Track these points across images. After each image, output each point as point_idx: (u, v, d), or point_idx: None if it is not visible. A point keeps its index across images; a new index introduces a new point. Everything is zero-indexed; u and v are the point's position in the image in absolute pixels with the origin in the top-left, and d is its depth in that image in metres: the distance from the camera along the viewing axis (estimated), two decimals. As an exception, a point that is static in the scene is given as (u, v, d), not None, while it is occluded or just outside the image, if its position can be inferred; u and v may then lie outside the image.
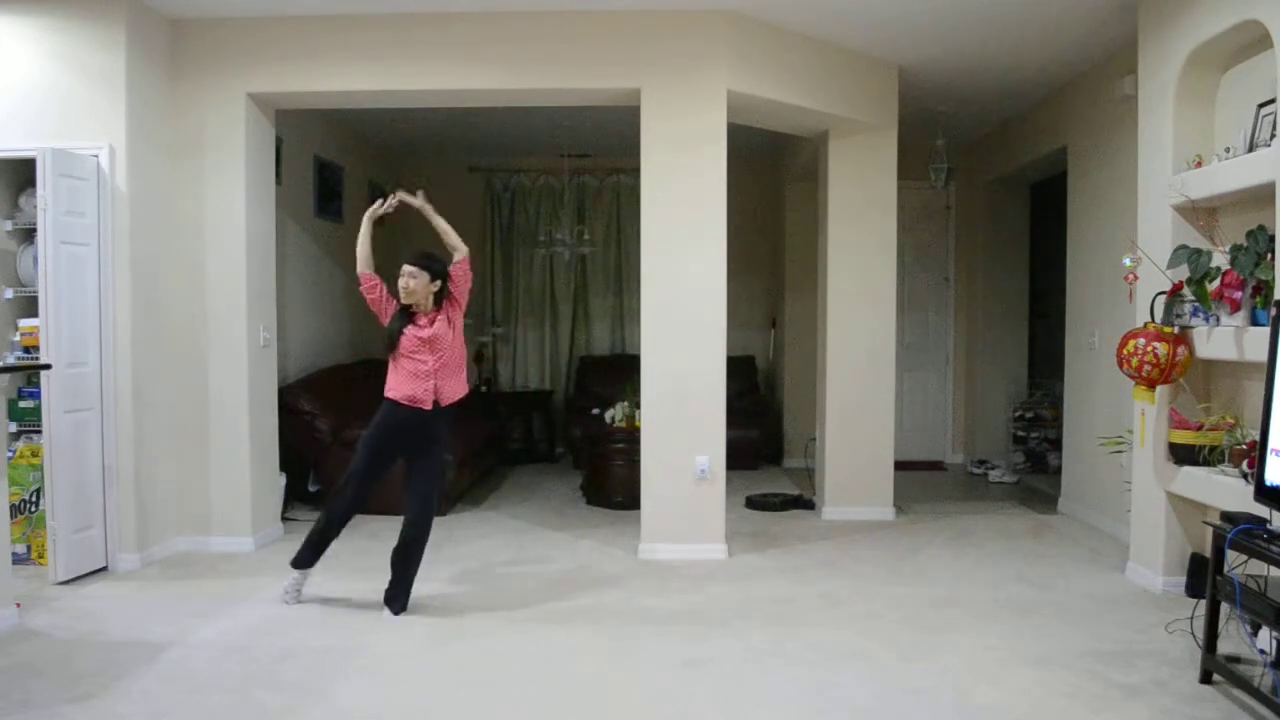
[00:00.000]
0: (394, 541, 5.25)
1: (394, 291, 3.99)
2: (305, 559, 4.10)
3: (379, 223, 4.22)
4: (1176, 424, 4.01)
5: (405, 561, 3.98)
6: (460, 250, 4.09)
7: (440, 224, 4.14)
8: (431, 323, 3.93)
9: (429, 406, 3.91)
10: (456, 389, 4.01)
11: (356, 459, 4.01)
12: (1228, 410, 3.92)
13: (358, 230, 7.83)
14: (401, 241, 8.55)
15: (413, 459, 4.00)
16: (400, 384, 3.91)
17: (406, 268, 3.95)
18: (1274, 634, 2.95)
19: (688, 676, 3.27)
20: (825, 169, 5.84)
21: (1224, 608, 3.16)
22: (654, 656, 3.45)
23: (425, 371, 3.90)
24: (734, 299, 5.02)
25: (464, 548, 5.07)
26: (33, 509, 4.54)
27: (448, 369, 3.96)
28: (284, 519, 5.45)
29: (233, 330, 4.90)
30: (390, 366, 3.97)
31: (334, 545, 5.13)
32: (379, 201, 4.17)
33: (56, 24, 4.47)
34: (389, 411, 3.94)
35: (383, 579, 4.43)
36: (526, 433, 8.21)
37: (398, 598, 3.95)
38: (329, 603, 4.09)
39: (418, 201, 4.16)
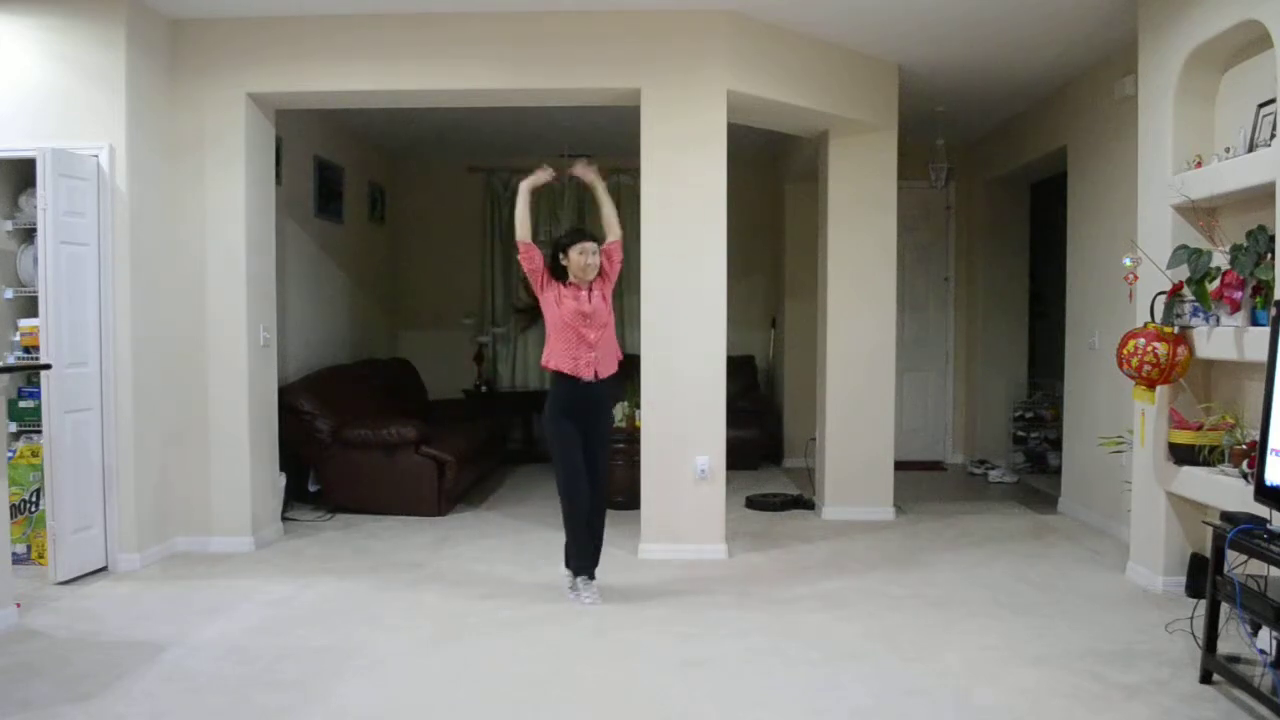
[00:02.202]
0: (393, 542, 5.27)
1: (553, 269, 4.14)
2: (585, 566, 4.16)
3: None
4: (1176, 424, 4.01)
5: (590, 534, 4.14)
6: (615, 232, 4.23)
7: (608, 204, 4.27)
8: (590, 297, 4.08)
9: (591, 377, 4.04)
10: (613, 363, 4.15)
11: (555, 451, 4.10)
12: (1228, 410, 3.91)
13: (357, 231, 7.84)
14: (405, 233, 8.56)
15: (585, 433, 4.10)
16: (563, 356, 4.05)
17: (589, 245, 4.09)
18: (1274, 634, 2.95)
19: (688, 676, 3.27)
20: (825, 169, 5.84)
21: (1224, 608, 3.16)
22: (654, 656, 3.45)
23: (589, 343, 4.04)
24: (734, 299, 5.02)
25: (464, 548, 5.08)
26: (33, 509, 4.53)
27: (607, 342, 4.11)
28: (284, 519, 5.46)
29: (233, 330, 4.90)
30: (549, 336, 4.11)
31: (337, 547, 5.16)
32: (540, 172, 4.21)
33: (56, 24, 4.47)
34: (556, 383, 4.09)
35: (382, 579, 4.44)
36: (526, 433, 8.21)
37: (583, 565, 4.14)
38: (329, 603, 4.09)
39: (589, 175, 4.25)
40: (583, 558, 4.14)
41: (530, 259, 4.10)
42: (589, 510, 4.12)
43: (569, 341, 4.05)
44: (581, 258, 4.06)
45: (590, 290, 4.11)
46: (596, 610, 3.99)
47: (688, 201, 4.86)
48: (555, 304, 4.07)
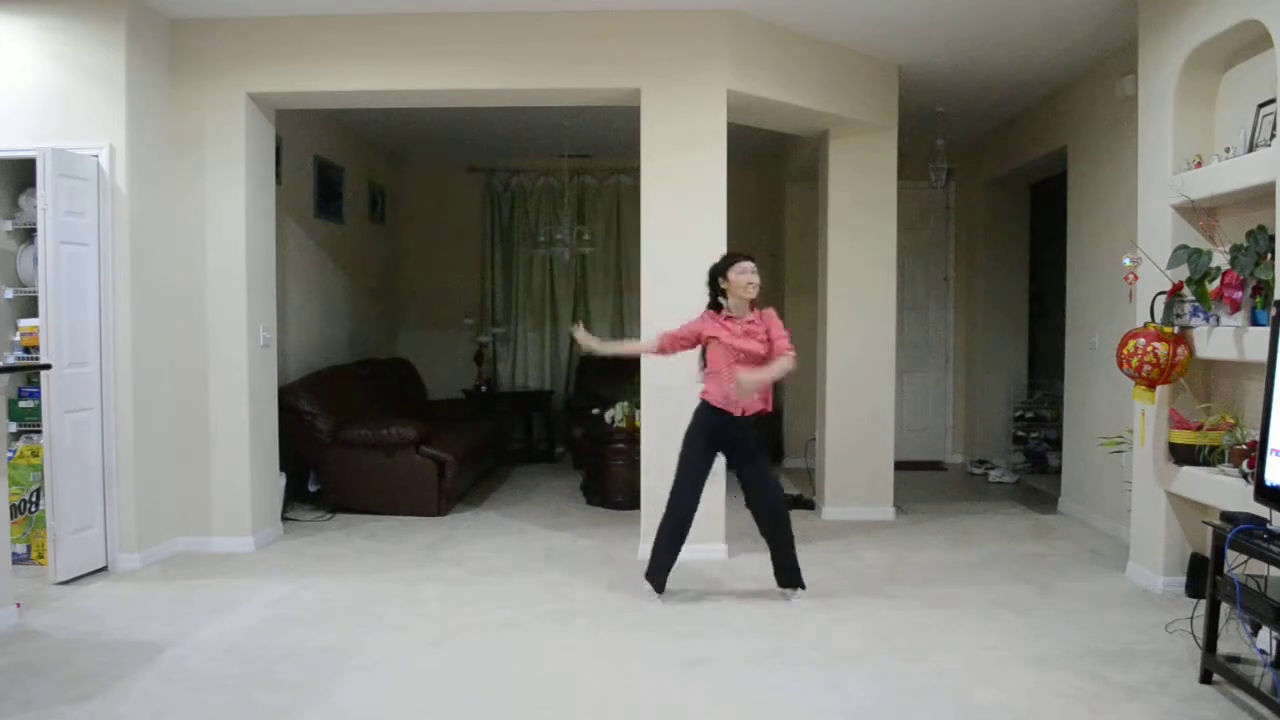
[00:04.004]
0: (393, 542, 5.27)
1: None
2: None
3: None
4: (1176, 424, 4.01)
5: (782, 547, 4.14)
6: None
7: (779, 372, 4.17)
8: (748, 336, 4.04)
9: (738, 413, 4.02)
10: (761, 402, 4.09)
11: (680, 458, 4.13)
12: (1228, 410, 3.92)
13: (357, 231, 7.83)
14: (405, 233, 8.56)
15: (738, 465, 4.14)
16: (715, 389, 4.04)
17: (747, 264, 4.06)
18: (1274, 634, 2.96)
19: (688, 676, 3.27)
20: (825, 169, 5.84)
21: (1224, 608, 3.16)
22: (654, 656, 3.45)
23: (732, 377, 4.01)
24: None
25: (464, 548, 5.07)
26: (33, 509, 4.53)
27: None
28: (284, 519, 5.45)
29: (233, 330, 4.90)
30: (708, 371, 4.11)
31: (337, 547, 5.16)
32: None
33: (56, 24, 4.47)
34: (703, 408, 4.09)
35: (382, 579, 4.45)
36: (526, 433, 8.21)
37: (793, 579, 4.15)
38: (329, 603, 4.09)
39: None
40: (662, 570, 4.14)
41: (682, 344, 4.10)
42: (687, 524, 4.14)
43: (723, 377, 4.03)
44: (742, 277, 4.02)
45: (750, 328, 4.05)
46: (597, 610, 3.99)
47: (688, 201, 4.85)
48: (713, 343, 4.06)
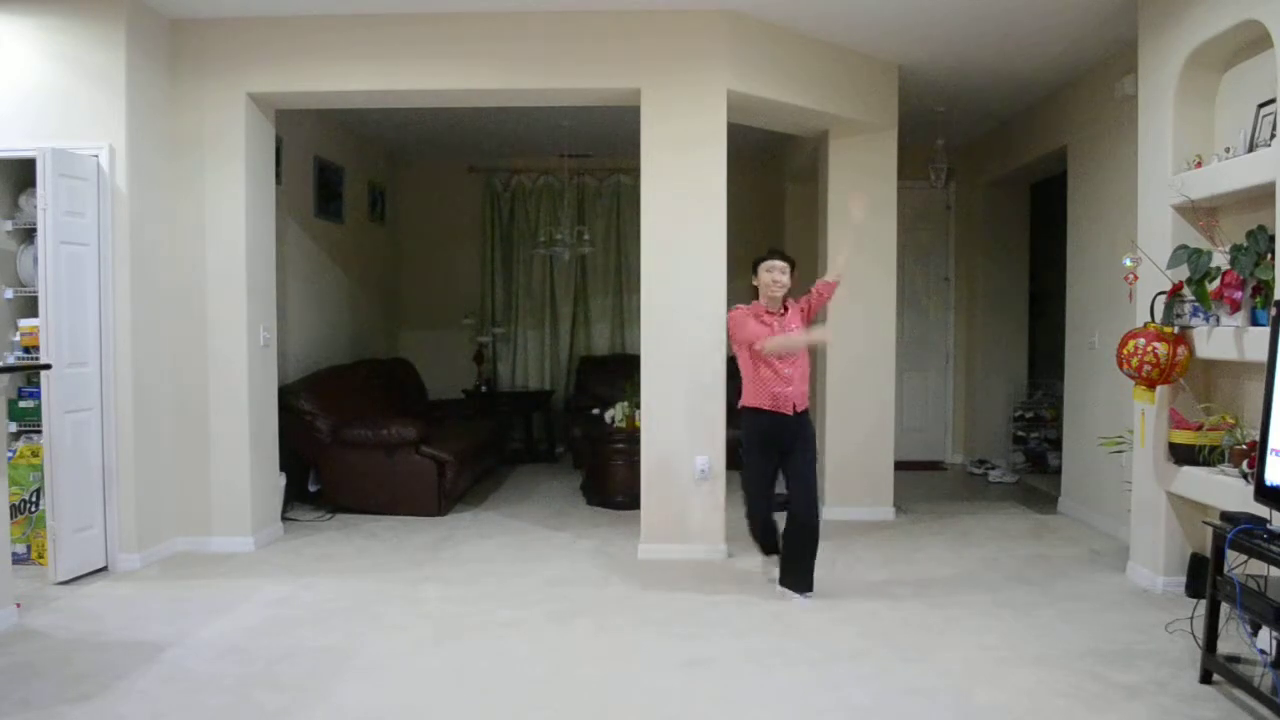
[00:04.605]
0: (393, 542, 5.26)
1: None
2: (770, 546, 4.29)
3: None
4: (1176, 424, 4.01)
5: (799, 552, 4.11)
6: (835, 275, 4.40)
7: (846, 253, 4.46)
8: (785, 327, 4.07)
9: (790, 412, 4.03)
10: (806, 395, 4.12)
11: (746, 471, 4.20)
12: (1228, 410, 3.92)
13: (357, 231, 7.81)
14: (405, 233, 8.56)
15: (785, 458, 4.11)
16: (761, 394, 4.05)
17: (776, 263, 4.14)
18: (1274, 634, 2.96)
19: (688, 676, 3.27)
20: (825, 169, 5.84)
21: (1224, 608, 3.16)
22: (654, 656, 3.45)
23: (785, 377, 4.02)
24: (734, 299, 5.01)
25: (464, 548, 5.08)
26: (33, 509, 4.54)
27: (802, 376, 4.09)
28: (284, 519, 5.46)
29: (233, 330, 4.90)
30: (745, 374, 4.11)
31: (337, 547, 5.15)
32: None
33: (56, 24, 4.47)
34: (753, 416, 4.09)
35: (382, 579, 4.45)
36: (526, 433, 8.20)
37: (798, 582, 4.11)
38: (329, 603, 4.09)
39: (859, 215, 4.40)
40: (769, 543, 4.27)
41: (750, 340, 4.06)
42: (771, 522, 4.22)
43: (766, 379, 4.04)
44: (768, 275, 4.09)
45: (784, 319, 4.10)
46: (597, 610, 3.99)
47: (688, 201, 4.86)
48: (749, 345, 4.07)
